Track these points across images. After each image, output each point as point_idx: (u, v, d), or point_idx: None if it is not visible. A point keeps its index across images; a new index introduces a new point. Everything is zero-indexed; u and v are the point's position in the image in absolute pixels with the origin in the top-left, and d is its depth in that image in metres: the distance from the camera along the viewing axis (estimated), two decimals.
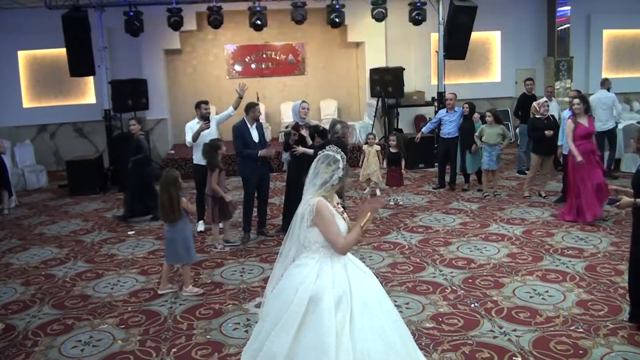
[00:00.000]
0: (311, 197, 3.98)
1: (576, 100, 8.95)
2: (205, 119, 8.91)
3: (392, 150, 10.38)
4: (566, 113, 9.80)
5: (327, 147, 4.10)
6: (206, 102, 9.21)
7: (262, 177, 8.60)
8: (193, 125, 8.96)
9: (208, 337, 5.55)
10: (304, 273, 3.91)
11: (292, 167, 8.69)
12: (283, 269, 4.09)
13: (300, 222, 3.99)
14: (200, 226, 9.17)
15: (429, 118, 14.60)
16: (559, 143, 9.85)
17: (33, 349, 5.47)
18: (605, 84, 12.34)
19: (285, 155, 8.89)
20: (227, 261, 7.74)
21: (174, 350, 5.29)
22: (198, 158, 8.90)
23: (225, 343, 5.40)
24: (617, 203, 5.31)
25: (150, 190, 9.82)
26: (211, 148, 8.20)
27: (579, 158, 8.67)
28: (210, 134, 8.96)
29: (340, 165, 3.99)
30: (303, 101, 8.81)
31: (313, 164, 4.06)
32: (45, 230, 9.68)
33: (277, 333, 3.85)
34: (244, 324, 5.79)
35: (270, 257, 7.80)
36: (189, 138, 8.90)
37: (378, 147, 10.45)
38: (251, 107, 8.54)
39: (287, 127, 8.84)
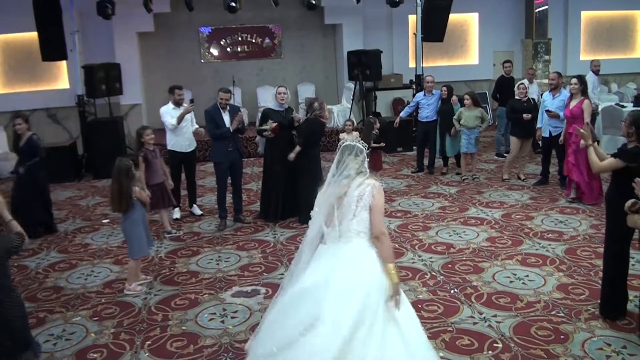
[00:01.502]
0: (364, 179, 3.93)
1: (574, 80, 8.90)
2: (179, 105, 8.70)
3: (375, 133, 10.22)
4: (546, 95, 9.75)
5: (344, 139, 4.14)
6: (180, 88, 8.90)
7: (233, 163, 8.38)
8: (169, 109, 8.72)
9: (183, 328, 5.43)
10: (371, 264, 3.86)
11: (268, 152, 8.61)
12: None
13: (357, 203, 3.88)
14: (176, 213, 9.01)
15: (407, 101, 14.48)
16: (538, 125, 9.81)
17: None
18: (591, 65, 12.36)
19: (259, 138, 8.83)
20: (204, 249, 7.60)
21: (148, 342, 5.15)
22: (173, 144, 8.77)
23: (201, 334, 5.28)
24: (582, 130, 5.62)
25: (45, 197, 8.69)
26: (137, 135, 7.94)
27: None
28: (191, 118, 8.83)
29: (365, 153, 4.02)
30: (280, 86, 8.64)
31: (337, 157, 4.01)
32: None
33: (365, 338, 3.62)
34: (220, 314, 5.67)
35: (247, 244, 7.69)
36: (172, 121, 8.60)
37: (357, 134, 10.09)
38: (218, 92, 8.37)
39: (265, 125, 8.39)
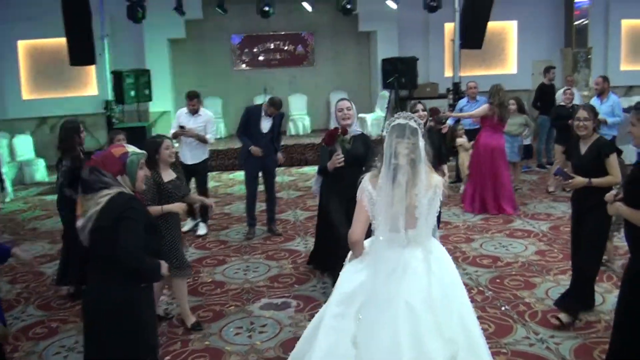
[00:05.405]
0: (429, 180, 3.40)
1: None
2: (192, 113, 8.19)
3: None
4: (594, 101, 9.21)
5: (396, 115, 3.46)
6: (192, 97, 8.18)
7: (263, 169, 7.89)
8: (182, 113, 8.28)
9: (206, 343, 4.97)
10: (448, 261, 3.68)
11: (325, 194, 6.07)
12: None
13: (429, 210, 3.40)
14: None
15: (443, 110, 13.96)
16: None
17: (12, 355, 4.91)
18: None
19: (315, 186, 6.77)
20: (230, 258, 7.16)
21: (167, 358, 4.69)
22: (179, 152, 8.13)
23: (225, 350, 4.81)
24: (569, 181, 4.95)
25: None
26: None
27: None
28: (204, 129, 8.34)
29: (421, 133, 3.38)
30: (341, 99, 6.06)
31: (386, 141, 3.37)
32: (38, 225, 9.12)
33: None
34: (247, 328, 5.21)
35: (276, 254, 7.23)
36: (171, 131, 8.20)
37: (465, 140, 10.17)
38: (270, 104, 7.76)
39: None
